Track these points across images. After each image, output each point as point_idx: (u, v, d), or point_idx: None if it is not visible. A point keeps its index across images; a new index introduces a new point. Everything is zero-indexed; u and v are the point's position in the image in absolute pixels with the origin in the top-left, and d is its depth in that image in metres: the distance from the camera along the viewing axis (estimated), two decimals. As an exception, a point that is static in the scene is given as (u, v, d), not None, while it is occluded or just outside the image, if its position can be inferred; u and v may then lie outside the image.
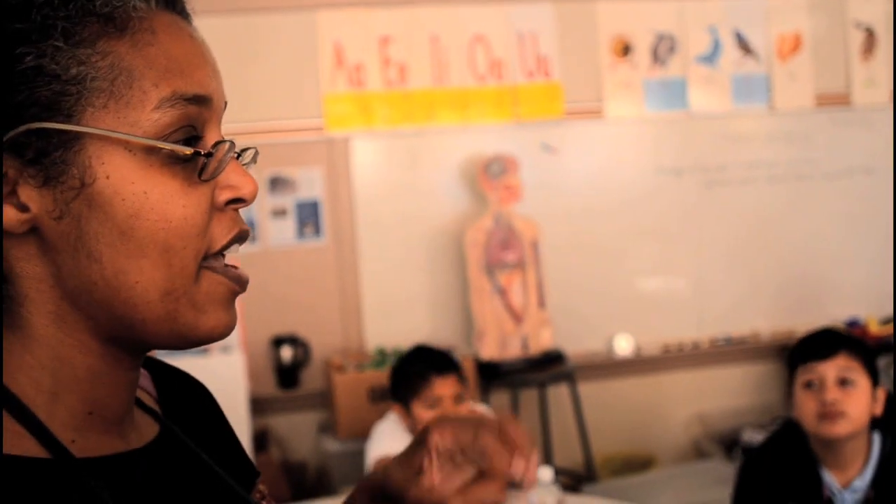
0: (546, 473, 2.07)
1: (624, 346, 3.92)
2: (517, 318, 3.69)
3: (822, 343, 2.05)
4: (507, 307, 3.68)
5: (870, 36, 4.13)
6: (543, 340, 3.68)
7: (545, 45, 3.83)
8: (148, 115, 0.64)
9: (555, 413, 3.75)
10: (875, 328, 4.02)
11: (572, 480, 3.66)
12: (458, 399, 2.45)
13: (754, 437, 3.66)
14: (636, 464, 3.80)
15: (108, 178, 0.63)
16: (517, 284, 3.69)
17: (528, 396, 3.68)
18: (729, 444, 3.83)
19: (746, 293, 4.10)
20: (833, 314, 4.14)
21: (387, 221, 3.75)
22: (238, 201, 0.68)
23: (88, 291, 0.64)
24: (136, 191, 0.64)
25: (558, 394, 3.78)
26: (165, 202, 0.64)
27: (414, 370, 2.53)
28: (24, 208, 0.62)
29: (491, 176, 3.67)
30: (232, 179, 0.67)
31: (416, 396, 2.48)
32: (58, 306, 0.65)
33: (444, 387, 2.46)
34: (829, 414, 1.95)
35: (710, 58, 3.98)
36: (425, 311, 3.77)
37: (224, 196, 0.67)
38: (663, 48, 3.94)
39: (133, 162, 0.64)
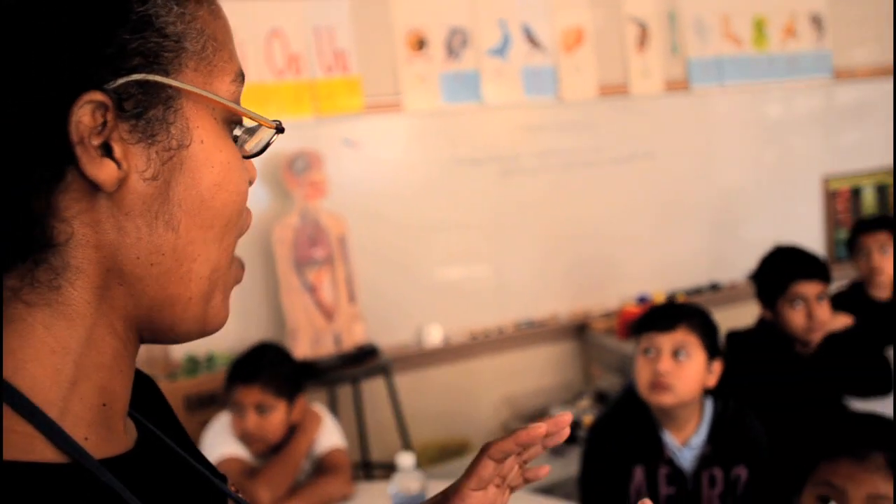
0: (407, 459, 2.07)
1: (434, 335, 3.98)
2: (328, 314, 3.66)
3: (665, 315, 2.16)
4: (317, 304, 3.64)
5: (643, 30, 4.40)
6: (356, 335, 3.67)
7: (342, 40, 3.82)
8: (228, 86, 0.62)
9: (373, 407, 3.76)
10: (661, 299, 4.28)
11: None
12: (260, 409, 2.39)
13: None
14: (452, 449, 3.87)
15: (202, 142, 0.60)
16: (327, 281, 3.66)
17: (345, 392, 3.66)
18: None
19: (544, 277, 4.27)
20: (624, 292, 4.39)
21: (188, 223, 3.60)
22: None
23: (150, 263, 0.59)
24: (222, 159, 0.61)
25: (375, 387, 3.78)
26: (239, 175, 0.62)
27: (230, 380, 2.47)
28: (118, 164, 0.57)
29: (295, 172, 3.61)
30: (249, 162, 0.66)
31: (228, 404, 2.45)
32: (105, 279, 0.59)
33: (247, 395, 2.40)
34: (659, 384, 2.08)
35: (501, 51, 4.10)
36: (236, 311, 3.61)
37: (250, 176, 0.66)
38: (456, 42, 4.02)
39: (218, 129, 0.61)
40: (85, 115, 0.55)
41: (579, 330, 4.33)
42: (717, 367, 2.17)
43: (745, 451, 2.16)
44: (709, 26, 4.58)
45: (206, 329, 0.66)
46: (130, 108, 0.57)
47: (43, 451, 0.54)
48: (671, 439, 2.15)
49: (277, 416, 2.40)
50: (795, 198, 5.00)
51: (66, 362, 0.57)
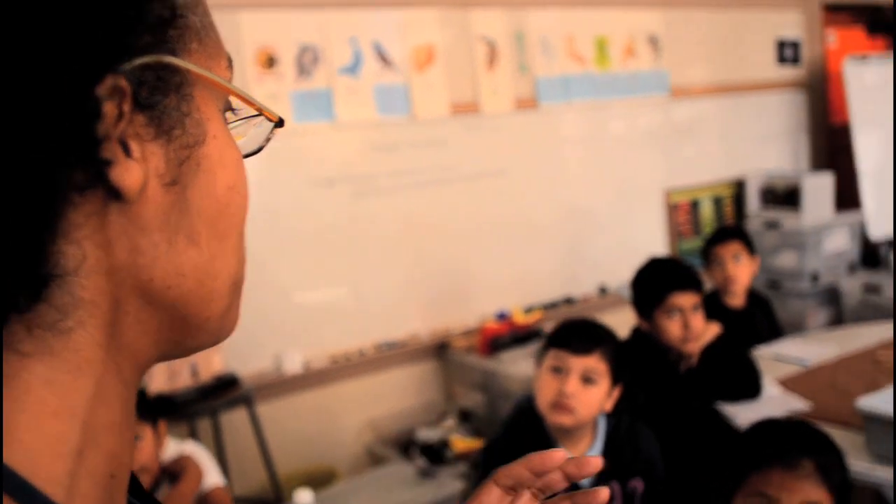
0: (305, 497, 1.97)
1: (293, 361, 3.85)
2: (183, 344, 3.48)
3: (581, 337, 2.12)
4: (171, 334, 3.47)
5: (492, 49, 4.44)
6: (214, 365, 3.51)
7: (188, 58, 3.66)
8: (223, 71, 0.52)
9: (234, 438, 3.59)
10: (521, 318, 4.32)
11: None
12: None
13: (430, 434, 3.77)
14: (318, 478, 3.74)
15: (215, 137, 0.49)
16: (180, 309, 3.49)
17: (206, 426, 3.49)
18: (405, 444, 3.91)
19: (403, 297, 4.22)
20: (483, 309, 4.40)
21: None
22: None
23: (168, 287, 0.48)
24: (234, 157, 0.51)
25: (236, 418, 3.62)
26: (245, 174, 0.52)
27: None
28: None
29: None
30: None
31: None
32: (114, 315, 0.47)
33: None
34: (562, 405, 2.05)
35: (353, 69, 4.04)
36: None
37: None
38: (307, 59, 3.93)
39: (223, 122, 0.51)
40: (109, 104, 0.44)
41: (440, 349, 4.30)
42: (616, 392, 2.17)
43: (640, 464, 2.17)
44: (554, 46, 4.67)
45: (218, 341, 0.56)
46: (145, 95, 0.46)
47: None
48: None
49: (147, 444, 2.26)
50: (640, 211, 5.16)
51: (72, 427, 0.45)
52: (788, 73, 5.88)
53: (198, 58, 0.50)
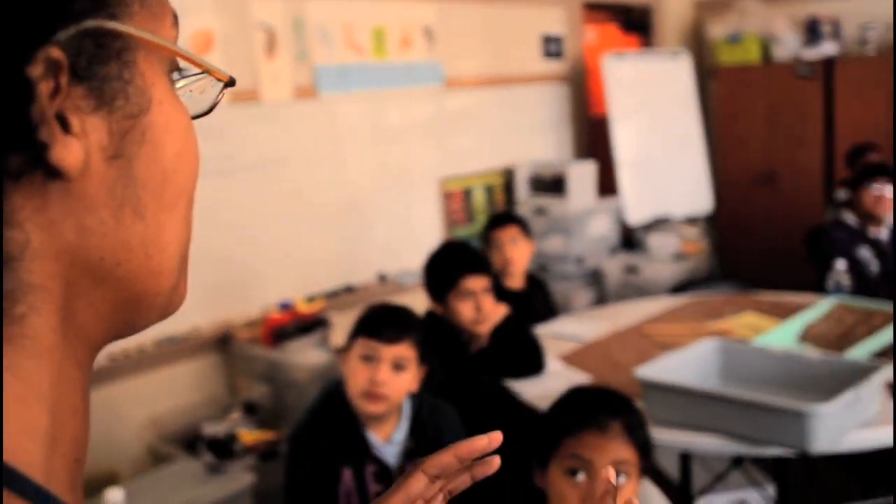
0: (116, 495, 1.89)
1: (67, 361, 3.66)
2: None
3: (391, 325, 2.15)
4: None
5: (271, 37, 4.39)
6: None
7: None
8: (168, 31, 0.49)
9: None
10: (303, 307, 4.31)
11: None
12: None
13: (216, 429, 3.70)
14: (98, 482, 3.58)
15: (161, 103, 0.47)
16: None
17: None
18: (190, 440, 3.81)
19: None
20: (265, 300, 4.35)
21: None
22: None
23: (116, 263, 0.46)
24: (181, 122, 0.49)
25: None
26: (194, 138, 0.51)
27: None
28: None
29: None
30: None
31: None
32: (66, 298, 0.44)
33: None
34: (374, 394, 2.09)
35: (126, 54, 3.87)
36: None
37: None
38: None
39: (169, 86, 0.49)
40: (44, 82, 0.42)
41: (222, 342, 4.22)
42: (422, 372, 2.23)
43: (444, 441, 2.24)
44: (333, 35, 4.68)
45: (167, 316, 0.54)
46: (83, 65, 0.43)
47: None
48: (374, 437, 2.17)
49: None
50: (416, 199, 5.28)
51: (40, 412, 0.43)
52: (553, 66, 6.19)
53: (140, 19, 0.47)
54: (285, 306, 4.31)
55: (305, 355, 3.94)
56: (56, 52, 0.42)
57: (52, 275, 0.44)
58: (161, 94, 0.49)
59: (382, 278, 5.01)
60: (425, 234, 5.20)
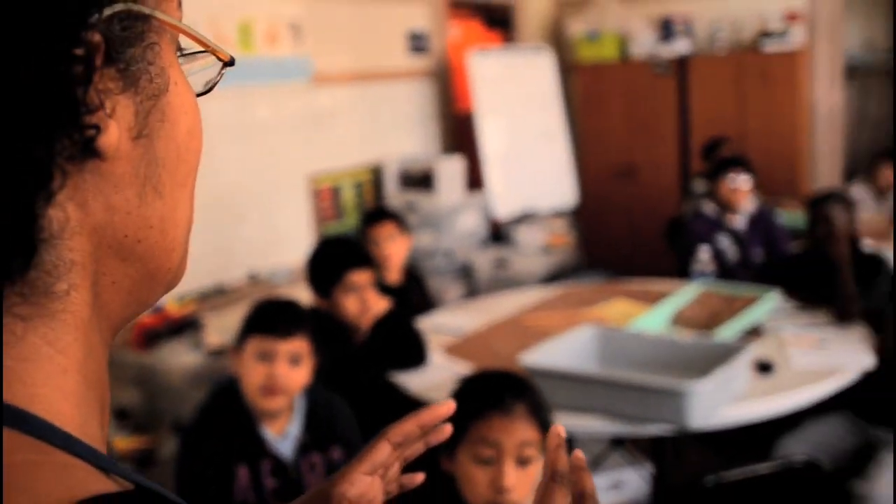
0: None
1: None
2: None
3: (283, 320, 2.13)
4: None
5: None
6: None
7: None
8: (175, 11, 0.50)
9: None
10: (175, 308, 4.20)
11: None
12: None
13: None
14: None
15: (176, 84, 0.49)
16: None
17: None
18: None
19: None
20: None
21: None
22: None
23: (138, 240, 0.47)
24: (192, 102, 0.51)
25: None
26: (200, 118, 0.53)
27: None
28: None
29: None
30: None
31: None
32: (96, 272, 0.46)
33: None
34: (272, 388, 2.07)
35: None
36: None
37: None
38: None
39: (179, 66, 0.51)
40: (86, 62, 0.43)
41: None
42: (314, 366, 2.23)
43: (338, 433, 2.25)
44: (196, 27, 4.53)
45: (169, 290, 0.56)
46: (115, 48, 0.45)
47: (102, 483, 0.43)
48: (268, 433, 2.15)
49: None
50: (285, 197, 5.22)
51: (78, 383, 0.46)
52: (419, 62, 6.23)
53: (156, 2, 0.49)
54: (156, 308, 4.19)
55: (179, 358, 3.85)
56: (96, 36, 0.44)
57: (86, 253, 0.46)
58: (176, 75, 0.51)
59: (253, 277, 4.93)
60: (295, 231, 5.15)
